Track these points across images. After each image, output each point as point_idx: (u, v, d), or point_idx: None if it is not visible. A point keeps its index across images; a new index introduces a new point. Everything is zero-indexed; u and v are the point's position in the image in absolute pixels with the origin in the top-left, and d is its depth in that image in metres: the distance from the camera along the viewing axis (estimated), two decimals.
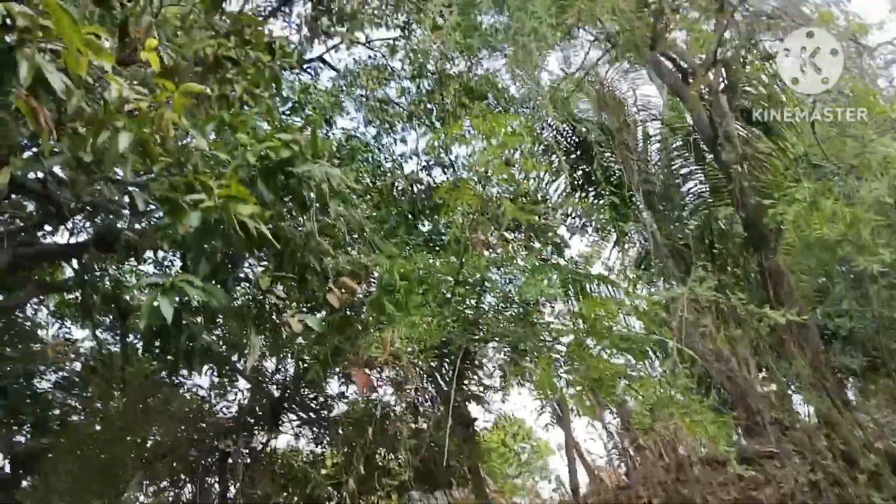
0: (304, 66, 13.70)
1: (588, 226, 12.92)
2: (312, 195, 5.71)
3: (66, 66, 3.62)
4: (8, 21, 3.21)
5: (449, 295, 6.43)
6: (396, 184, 9.68)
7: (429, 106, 11.15)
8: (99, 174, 5.24)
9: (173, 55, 6.47)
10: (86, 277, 10.82)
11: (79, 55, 3.39)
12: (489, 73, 10.22)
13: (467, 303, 6.53)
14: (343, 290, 6.09)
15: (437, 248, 8.25)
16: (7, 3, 3.07)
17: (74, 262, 11.49)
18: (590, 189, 13.31)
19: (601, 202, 12.73)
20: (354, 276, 6.28)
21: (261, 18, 12.42)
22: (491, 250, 6.88)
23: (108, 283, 10.78)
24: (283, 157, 5.60)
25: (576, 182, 12.27)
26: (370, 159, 9.84)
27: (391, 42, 13.34)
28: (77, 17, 6.01)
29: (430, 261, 6.86)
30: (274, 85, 7.55)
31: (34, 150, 5.90)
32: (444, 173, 9.64)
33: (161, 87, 4.48)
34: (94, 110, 3.89)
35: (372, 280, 6.82)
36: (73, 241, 11.14)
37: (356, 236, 6.95)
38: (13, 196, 8.36)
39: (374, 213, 8.84)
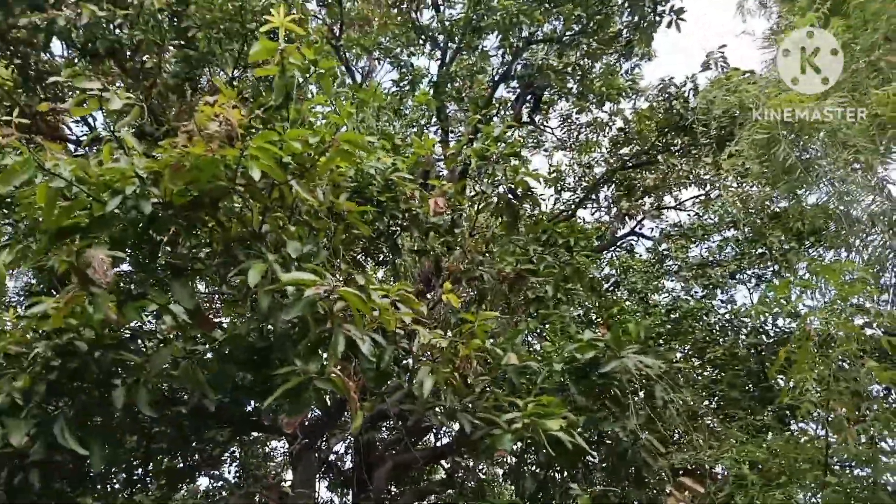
0: (620, 243, 13.94)
1: None
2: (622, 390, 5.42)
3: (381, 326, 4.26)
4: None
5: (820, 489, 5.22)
6: (735, 348, 8.71)
7: (758, 251, 10.18)
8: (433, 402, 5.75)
9: (485, 277, 7.14)
10: (453, 477, 11.79)
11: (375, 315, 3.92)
12: (814, 206, 9.02)
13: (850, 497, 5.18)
14: (685, 492, 5.42)
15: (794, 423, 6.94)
16: (322, 301, 3.68)
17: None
18: None
19: None
20: (696, 474, 5.58)
21: (568, 213, 13.21)
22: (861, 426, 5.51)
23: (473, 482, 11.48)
24: (590, 358, 5.51)
25: None
26: (700, 326, 9.14)
27: (701, 198, 12.92)
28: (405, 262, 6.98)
29: (788, 443, 5.75)
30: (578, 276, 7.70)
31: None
32: (791, 326, 8.40)
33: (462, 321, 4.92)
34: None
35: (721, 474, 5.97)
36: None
37: (694, 423, 6.29)
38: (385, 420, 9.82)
39: (712, 389, 7.98)
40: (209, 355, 4.10)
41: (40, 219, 3.56)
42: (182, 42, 6.99)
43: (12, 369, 3.86)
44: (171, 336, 4.51)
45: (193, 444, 6.49)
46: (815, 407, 5.61)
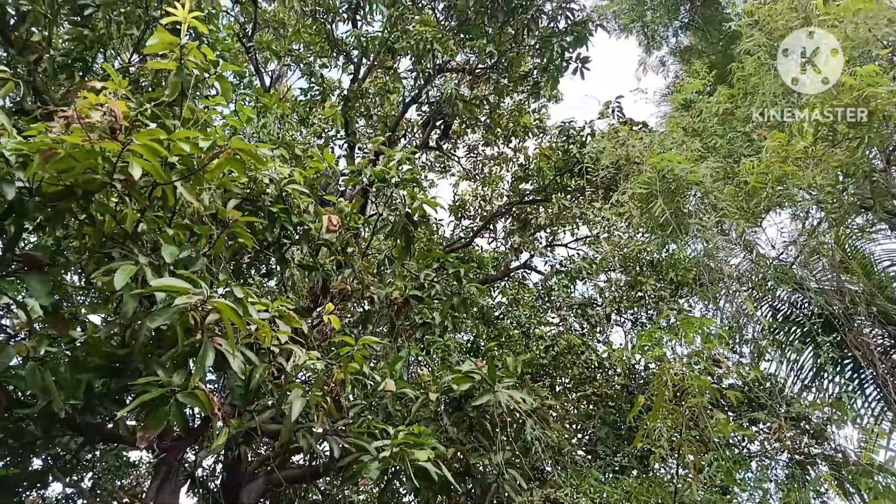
0: (512, 274, 14.31)
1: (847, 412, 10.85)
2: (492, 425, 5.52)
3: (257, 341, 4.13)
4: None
5: None
6: (608, 387, 9.12)
7: (637, 296, 10.75)
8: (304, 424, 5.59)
9: (374, 299, 7.10)
10: (326, 499, 11.59)
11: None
12: (690, 258, 9.70)
13: None
14: None
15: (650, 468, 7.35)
16: (193, 312, 3.50)
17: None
18: (846, 365, 11.40)
19: (863, 378, 10.78)
20: None
21: (466, 240, 13.41)
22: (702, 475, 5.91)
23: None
24: (465, 389, 5.58)
25: (823, 363, 10.55)
26: (577, 362, 9.49)
27: (591, 238, 13.52)
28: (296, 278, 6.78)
29: (641, 485, 6.06)
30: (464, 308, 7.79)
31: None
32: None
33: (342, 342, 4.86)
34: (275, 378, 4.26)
35: None
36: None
37: (556, 460, 6.49)
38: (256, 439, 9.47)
39: (583, 425, 8.30)
40: (63, 358, 3.81)
41: None
42: (77, 19, 6.56)
43: None
44: (23, 334, 4.18)
45: (39, 450, 5.98)
46: (665, 452, 5.97)
